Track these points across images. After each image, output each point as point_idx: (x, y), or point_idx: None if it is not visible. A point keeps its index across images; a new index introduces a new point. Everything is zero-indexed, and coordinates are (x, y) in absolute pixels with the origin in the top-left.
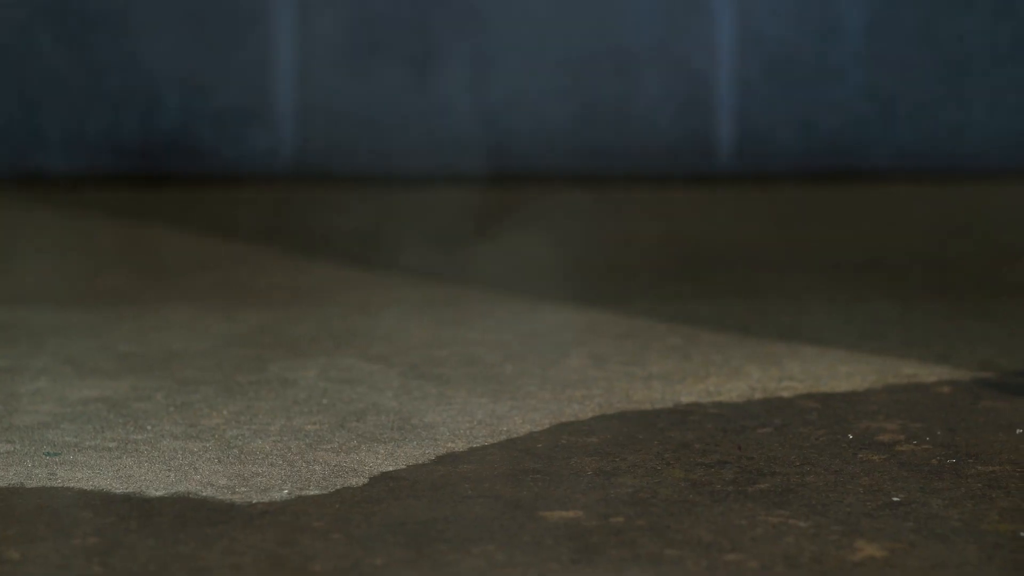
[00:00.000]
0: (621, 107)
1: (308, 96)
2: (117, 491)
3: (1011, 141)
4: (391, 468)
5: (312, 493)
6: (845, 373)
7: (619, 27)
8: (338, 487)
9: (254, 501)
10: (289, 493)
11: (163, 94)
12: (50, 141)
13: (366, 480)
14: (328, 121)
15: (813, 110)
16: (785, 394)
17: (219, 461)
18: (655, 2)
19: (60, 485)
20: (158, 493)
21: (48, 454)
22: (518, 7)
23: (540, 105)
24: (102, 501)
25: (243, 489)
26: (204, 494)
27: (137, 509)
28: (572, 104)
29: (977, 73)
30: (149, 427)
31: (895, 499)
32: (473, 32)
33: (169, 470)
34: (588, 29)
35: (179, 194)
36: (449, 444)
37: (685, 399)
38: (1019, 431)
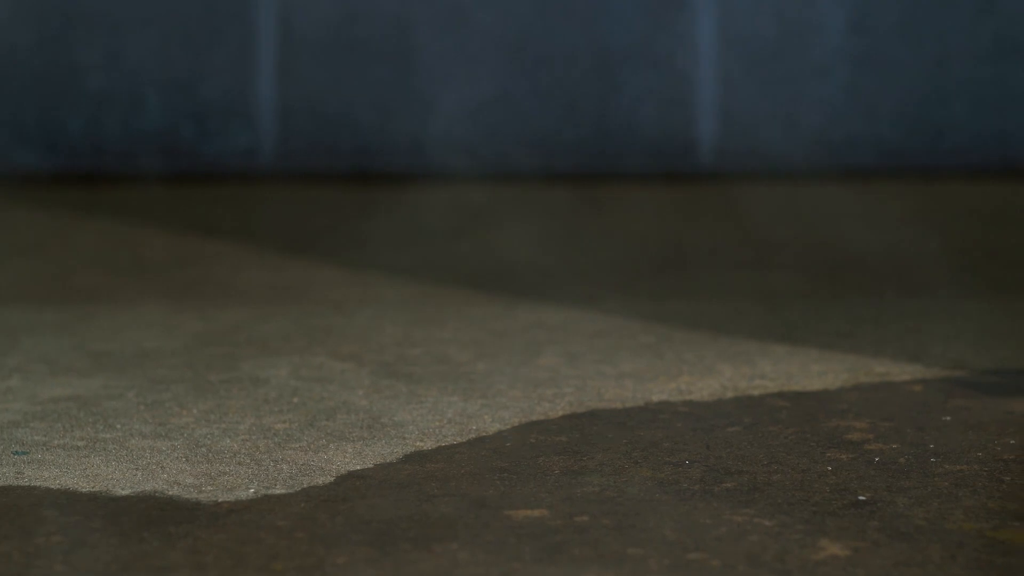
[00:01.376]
0: (603, 105)
1: (289, 94)
2: (83, 490)
3: (992, 139)
4: (359, 467)
5: (278, 492)
6: (817, 372)
7: (601, 25)
8: (305, 486)
9: (220, 500)
10: (255, 492)
11: (144, 92)
12: (31, 139)
13: (333, 479)
14: (309, 119)
15: (795, 108)
16: (756, 392)
17: (187, 460)
18: (637, 0)
19: (27, 484)
20: (124, 492)
21: (16, 453)
22: (500, 5)
23: (522, 104)
24: (68, 500)
25: (209, 488)
26: (170, 493)
27: (103, 508)
28: (554, 102)
29: (959, 71)
30: (119, 426)
31: (861, 498)
32: (455, 30)
33: (136, 469)
34: (570, 27)
35: (159, 192)
36: (418, 443)
37: (656, 398)
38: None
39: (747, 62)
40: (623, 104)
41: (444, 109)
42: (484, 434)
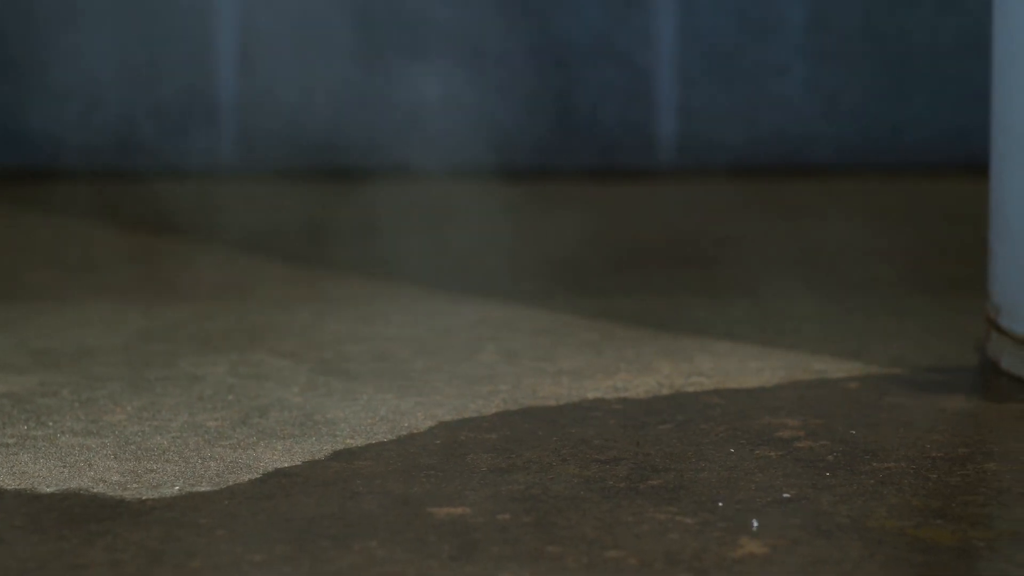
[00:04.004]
0: (562, 102)
1: (251, 90)
2: (9, 487)
3: (953, 136)
4: (286, 464)
5: (203, 489)
6: (755, 369)
7: (559, 21)
8: (230, 483)
9: (144, 498)
10: (180, 490)
11: (104, 88)
12: None
13: (259, 476)
14: (270, 116)
15: (755, 105)
16: (692, 390)
17: (115, 457)
18: None
19: None
20: (49, 490)
21: None
22: (460, 1)
23: (481, 100)
24: None
25: (135, 486)
26: (95, 490)
27: (26, 505)
28: (513, 99)
29: (919, 68)
30: (51, 423)
31: (785, 495)
32: (415, 26)
33: (64, 467)
34: (529, 23)
35: (117, 189)
36: (348, 440)
37: (591, 395)
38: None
39: (707, 59)
40: (582, 101)
41: (403, 105)
42: (415, 431)
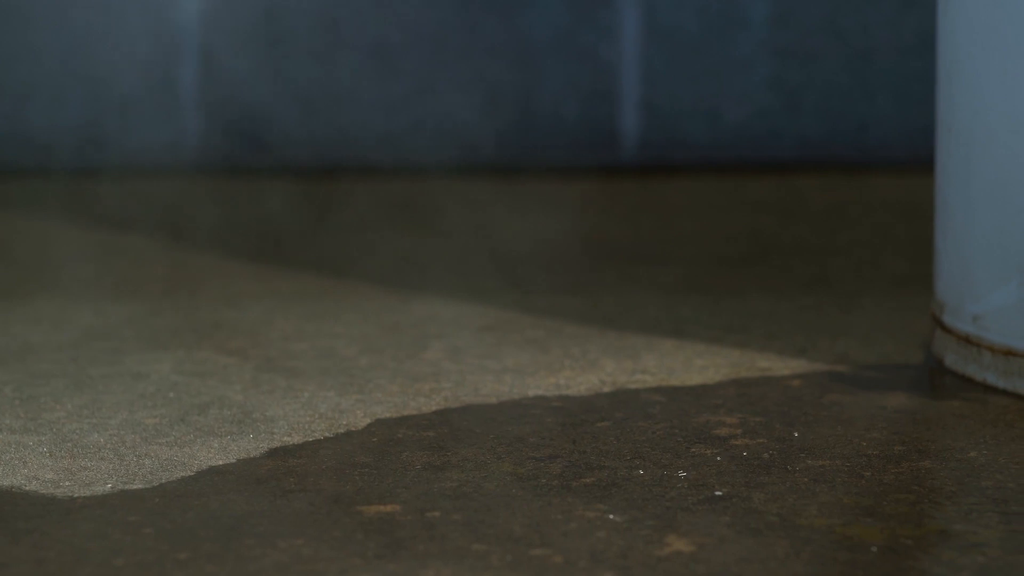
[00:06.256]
0: (525, 98)
1: (213, 88)
2: None
3: (916, 133)
4: (221, 462)
5: (135, 487)
6: (699, 366)
7: (523, 16)
8: (163, 481)
9: (75, 495)
10: (112, 487)
11: (68, 85)
12: None
13: (192, 474)
14: (232, 113)
15: (718, 101)
16: (633, 387)
17: (50, 455)
18: None
19: None
20: None
21: None
22: None
23: (444, 97)
24: None
25: (67, 483)
26: (27, 488)
27: None
28: (476, 95)
29: (882, 65)
30: None
31: (718, 493)
32: (377, 23)
33: None
34: (492, 18)
35: (79, 186)
36: (285, 438)
37: (532, 393)
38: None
39: (670, 55)
40: (546, 97)
41: (367, 102)
42: (353, 429)
